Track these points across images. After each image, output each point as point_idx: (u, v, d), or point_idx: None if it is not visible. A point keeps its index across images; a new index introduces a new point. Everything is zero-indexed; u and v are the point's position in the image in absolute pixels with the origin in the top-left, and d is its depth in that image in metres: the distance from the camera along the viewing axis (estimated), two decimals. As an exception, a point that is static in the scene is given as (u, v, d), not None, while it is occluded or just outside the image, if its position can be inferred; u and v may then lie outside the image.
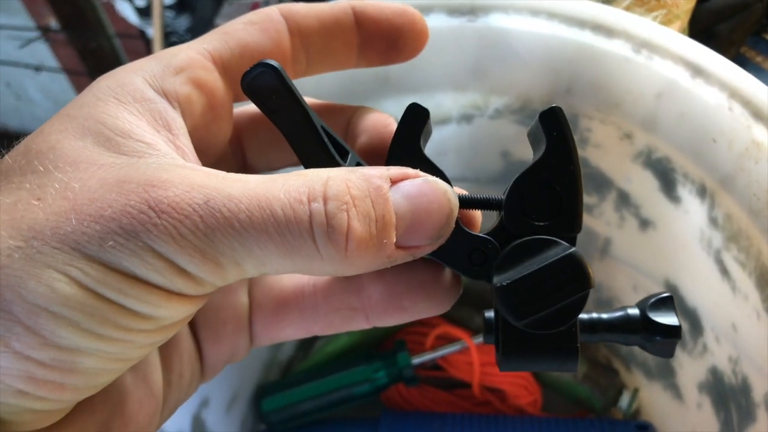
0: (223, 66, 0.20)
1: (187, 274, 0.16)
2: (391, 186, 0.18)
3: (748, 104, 0.32)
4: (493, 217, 0.21)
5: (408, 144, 0.20)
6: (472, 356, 0.48)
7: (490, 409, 0.51)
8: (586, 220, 0.45)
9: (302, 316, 0.23)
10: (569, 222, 0.19)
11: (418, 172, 0.18)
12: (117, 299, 0.15)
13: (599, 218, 0.44)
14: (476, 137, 0.43)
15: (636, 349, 0.47)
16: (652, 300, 0.22)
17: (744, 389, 0.35)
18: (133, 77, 0.18)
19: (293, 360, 0.54)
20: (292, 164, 0.23)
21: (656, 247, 0.41)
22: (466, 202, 0.21)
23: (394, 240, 0.17)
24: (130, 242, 0.15)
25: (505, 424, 0.47)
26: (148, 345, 0.17)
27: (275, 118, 0.19)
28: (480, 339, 0.49)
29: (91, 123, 0.17)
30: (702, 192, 0.35)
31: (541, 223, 0.20)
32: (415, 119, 0.20)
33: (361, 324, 0.23)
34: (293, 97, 0.19)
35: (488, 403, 0.51)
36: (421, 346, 0.51)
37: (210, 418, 0.44)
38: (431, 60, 0.39)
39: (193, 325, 0.22)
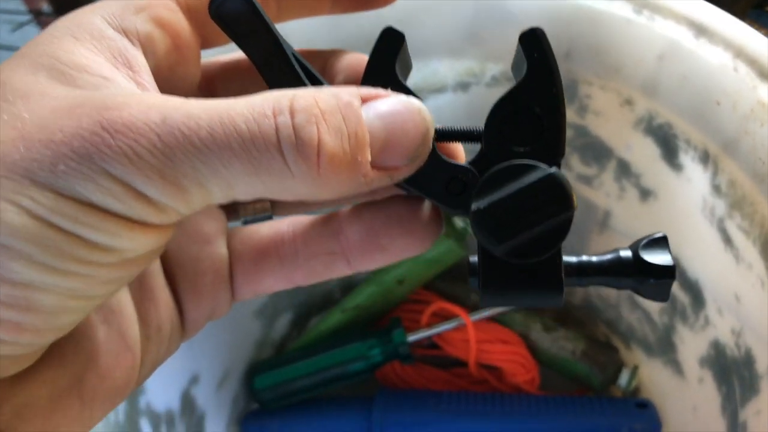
0: (188, 7, 0.19)
1: (148, 198, 0.15)
2: (363, 105, 0.17)
3: (753, 63, 0.30)
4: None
5: (382, 71, 0.19)
6: (468, 333, 0.47)
7: (486, 387, 0.50)
8: (585, 192, 0.43)
9: (282, 265, 0.22)
10: (552, 146, 0.19)
11: (389, 91, 0.17)
12: (72, 229, 0.14)
13: (599, 189, 0.43)
14: (473, 106, 0.42)
15: (636, 325, 0.46)
16: (645, 241, 0.21)
17: (747, 361, 0.35)
18: (91, 16, 0.17)
19: (286, 339, 0.53)
20: None
21: (657, 217, 0.40)
22: (445, 134, 0.20)
23: (369, 159, 0.16)
24: (82, 166, 0.14)
25: (502, 402, 0.47)
26: (112, 281, 0.16)
27: (244, 45, 0.18)
28: (477, 316, 0.48)
29: (45, 59, 0.16)
30: (705, 158, 0.34)
31: (523, 149, 0.19)
32: (390, 44, 0.19)
33: (343, 269, 0.22)
34: (263, 23, 0.18)
35: (485, 382, 0.50)
36: (417, 324, 0.50)
37: (200, 395, 0.43)
38: (426, 24, 0.38)
39: (170, 277, 0.21)
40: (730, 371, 0.36)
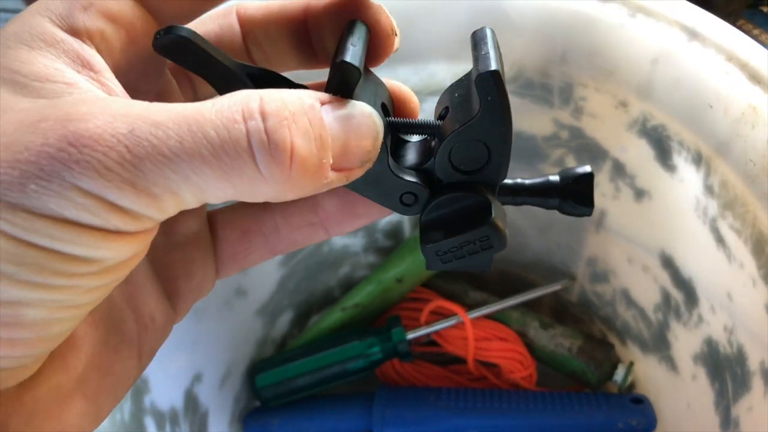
0: None
1: (121, 209, 0.15)
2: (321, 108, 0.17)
3: (745, 67, 0.31)
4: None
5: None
6: (466, 331, 0.48)
7: (485, 384, 0.50)
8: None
9: (266, 240, 0.23)
10: (495, 173, 0.21)
11: (341, 97, 0.18)
12: (50, 245, 0.14)
13: (594, 190, 0.43)
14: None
15: (631, 322, 0.47)
16: (574, 170, 0.24)
17: (739, 358, 0.35)
18: (39, 20, 0.17)
19: (287, 337, 0.53)
20: None
21: (651, 217, 0.40)
22: (403, 126, 0.22)
23: (331, 161, 0.17)
24: (53, 183, 0.14)
25: (500, 398, 0.47)
26: (97, 288, 0.16)
27: (196, 72, 0.19)
28: (475, 314, 0.48)
29: (4, 73, 0.16)
30: (698, 159, 0.35)
31: (469, 171, 0.21)
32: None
33: (321, 236, 0.23)
34: (204, 52, 0.18)
35: (484, 379, 0.50)
36: (416, 322, 0.50)
37: (203, 393, 0.44)
38: (423, 28, 0.39)
39: (157, 266, 0.22)
40: (723, 368, 0.37)
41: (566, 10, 0.36)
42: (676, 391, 0.43)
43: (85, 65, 0.17)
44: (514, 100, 0.41)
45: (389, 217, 0.51)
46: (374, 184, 0.21)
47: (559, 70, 0.38)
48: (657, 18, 0.34)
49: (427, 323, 0.50)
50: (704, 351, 0.39)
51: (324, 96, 0.18)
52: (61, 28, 0.17)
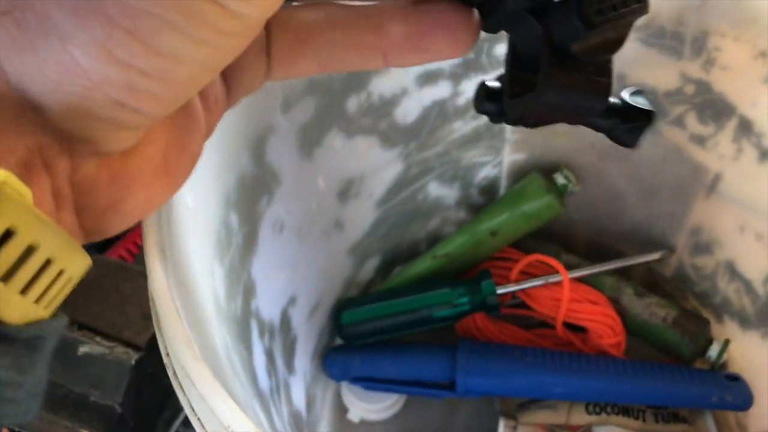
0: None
1: None
2: None
3: None
4: None
5: None
6: (563, 288, 0.47)
7: (570, 350, 0.49)
8: (695, 153, 0.43)
9: (318, 52, 0.22)
10: None
11: None
12: None
13: (711, 151, 0.42)
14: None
15: (733, 296, 0.46)
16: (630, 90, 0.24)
17: None
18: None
19: (370, 284, 0.53)
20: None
21: (776, 179, 0.39)
22: None
23: None
24: None
25: (588, 361, 0.46)
26: (232, 51, 0.17)
27: None
28: (573, 274, 0.48)
29: None
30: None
31: None
32: None
33: (377, 63, 0.22)
34: None
35: (570, 344, 0.49)
36: (504, 280, 0.50)
37: (295, 318, 0.44)
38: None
39: None
40: None
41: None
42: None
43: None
44: (639, 49, 0.41)
45: (486, 172, 0.51)
46: None
47: (696, 17, 0.38)
48: (814, -39, 0.33)
49: (517, 281, 0.49)
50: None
51: None
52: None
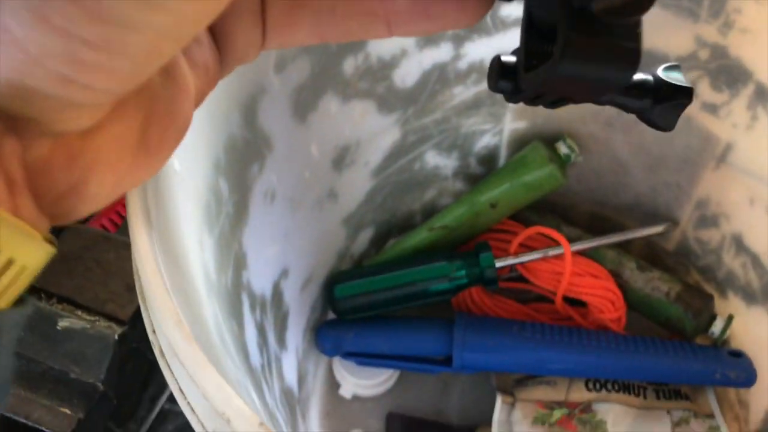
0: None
1: None
2: None
3: None
4: None
5: None
6: (564, 261, 0.45)
7: (570, 324, 0.48)
8: (706, 122, 0.41)
9: (317, 20, 0.20)
10: None
11: None
12: None
13: (724, 119, 0.40)
14: None
15: (738, 271, 0.44)
16: (663, 66, 0.22)
17: None
18: None
19: (364, 256, 0.51)
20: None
21: (792, 149, 0.38)
22: None
23: None
24: None
25: (588, 336, 0.45)
26: (199, 17, 0.14)
27: None
28: (574, 247, 0.46)
29: None
30: None
31: None
32: None
33: (381, 32, 0.20)
34: None
35: (569, 318, 0.48)
36: (504, 253, 0.48)
37: (287, 291, 0.42)
38: None
39: None
40: None
41: None
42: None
43: None
44: (653, 11, 0.39)
45: (486, 141, 0.49)
46: None
47: (716, -23, 0.36)
48: None
49: (516, 254, 0.47)
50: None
51: None
52: None
